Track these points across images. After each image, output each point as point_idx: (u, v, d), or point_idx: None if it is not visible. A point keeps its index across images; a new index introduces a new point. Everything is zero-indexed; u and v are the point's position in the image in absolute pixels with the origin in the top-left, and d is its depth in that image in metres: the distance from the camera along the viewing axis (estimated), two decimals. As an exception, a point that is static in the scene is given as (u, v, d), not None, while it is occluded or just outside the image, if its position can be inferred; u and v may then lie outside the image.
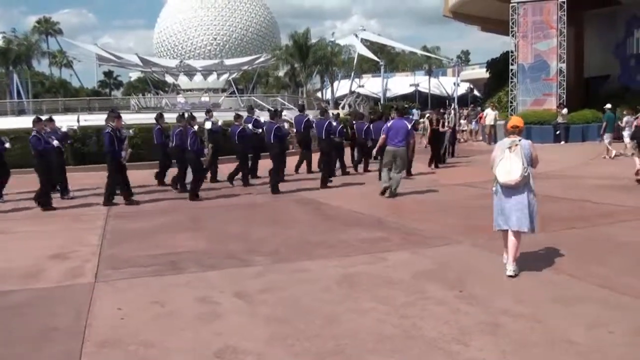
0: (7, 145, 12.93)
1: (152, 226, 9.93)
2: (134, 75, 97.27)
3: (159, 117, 15.20)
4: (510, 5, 27.78)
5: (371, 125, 17.21)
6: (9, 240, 9.27)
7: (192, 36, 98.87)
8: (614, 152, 19.63)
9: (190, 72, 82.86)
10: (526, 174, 6.40)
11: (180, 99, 56.54)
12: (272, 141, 13.80)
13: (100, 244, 8.62)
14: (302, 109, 18.99)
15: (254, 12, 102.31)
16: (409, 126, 12.69)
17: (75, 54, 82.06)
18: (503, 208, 6.61)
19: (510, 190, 6.52)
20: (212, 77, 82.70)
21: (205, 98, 57.00)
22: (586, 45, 31.53)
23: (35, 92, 69.12)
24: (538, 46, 27.46)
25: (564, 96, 26.94)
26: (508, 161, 6.47)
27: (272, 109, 17.61)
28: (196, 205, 12.10)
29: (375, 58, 76.52)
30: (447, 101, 67.92)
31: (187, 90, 77.91)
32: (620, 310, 5.32)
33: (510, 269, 6.45)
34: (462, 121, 31.15)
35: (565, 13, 26.66)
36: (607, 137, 20.17)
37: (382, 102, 64.49)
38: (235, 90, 72.72)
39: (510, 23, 27.95)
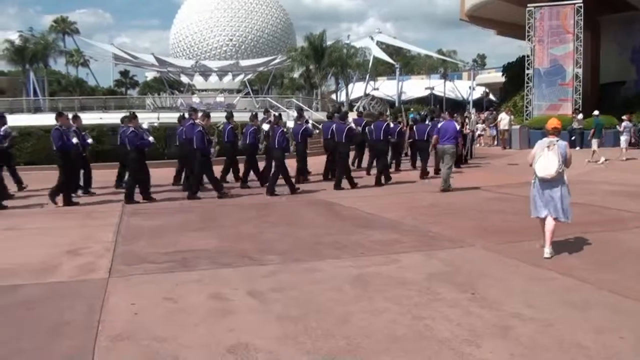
0: (90, 140, 13.07)
1: (166, 224, 10.02)
2: (150, 75, 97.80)
3: (230, 116, 15.66)
4: (527, 9, 27.70)
5: (415, 127, 18.25)
6: (24, 236, 9.38)
7: (208, 37, 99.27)
8: (602, 159, 20.09)
9: (205, 73, 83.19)
10: (561, 170, 7.29)
11: (195, 99, 56.74)
12: (343, 141, 14.56)
13: (114, 240, 8.70)
14: (338, 111, 19.67)
15: (270, 14, 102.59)
16: (457, 127, 14.14)
17: (92, 53, 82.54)
18: (540, 199, 7.55)
19: (546, 183, 7.44)
20: (228, 78, 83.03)
21: (220, 98, 57.15)
22: (602, 51, 31.38)
23: (51, 91, 69.56)
24: (554, 51, 27.36)
25: (580, 101, 26.81)
26: (546, 158, 7.34)
27: (343, 111, 18.42)
28: (210, 204, 12.17)
29: (391, 61, 76.46)
30: (466, 105, 67.69)
31: (203, 90, 78.22)
32: (631, 316, 5.30)
33: (547, 251, 7.37)
34: (479, 125, 31.00)
35: (582, 18, 26.54)
36: (594, 143, 20.86)
37: (397, 105, 64.33)
38: (250, 91, 72.90)
39: (527, 27, 27.86)
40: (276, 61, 76.47)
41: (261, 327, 5.06)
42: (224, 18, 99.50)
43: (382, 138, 15.73)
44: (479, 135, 30.54)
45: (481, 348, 4.55)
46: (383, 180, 15.28)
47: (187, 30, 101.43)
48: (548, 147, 7.36)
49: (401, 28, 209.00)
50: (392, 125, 16.82)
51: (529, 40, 28.11)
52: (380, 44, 73.67)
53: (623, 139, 21.15)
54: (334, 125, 15.15)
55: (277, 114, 17.20)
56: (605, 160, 19.98)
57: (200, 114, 14.02)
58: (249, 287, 6.20)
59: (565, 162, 7.34)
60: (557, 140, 7.41)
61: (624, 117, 22.01)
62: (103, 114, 30.01)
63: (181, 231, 9.35)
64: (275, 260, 7.39)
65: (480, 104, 68.54)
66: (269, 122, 15.63)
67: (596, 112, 22.81)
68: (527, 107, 28.27)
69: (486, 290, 6.00)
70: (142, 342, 4.74)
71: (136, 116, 13.12)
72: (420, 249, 7.97)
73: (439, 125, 14.54)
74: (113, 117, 24.22)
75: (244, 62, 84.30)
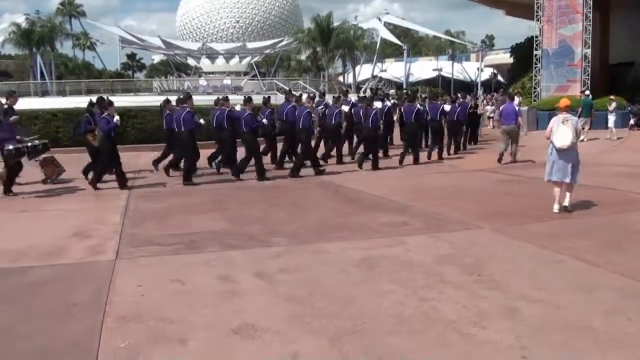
0: (202, 121, 13.36)
1: (173, 206, 10.03)
2: (157, 57, 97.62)
3: (322, 95, 16.17)
4: (536, -12, 27.40)
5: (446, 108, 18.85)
6: (34, 219, 9.42)
7: (215, 19, 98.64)
8: (583, 137, 20.40)
9: (212, 55, 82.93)
10: (574, 141, 8.73)
11: (202, 81, 56.75)
12: (412, 121, 15.81)
13: (122, 223, 8.73)
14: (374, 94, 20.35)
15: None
16: (517, 109, 16.15)
17: (98, 36, 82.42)
18: (555, 165, 8.88)
19: (562, 152, 8.77)
20: (235, 60, 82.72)
21: (227, 81, 57.13)
22: (612, 31, 31.01)
23: (58, 74, 69.68)
24: (563, 31, 27.06)
25: (589, 82, 26.57)
26: (562, 131, 8.74)
27: (411, 92, 19.41)
28: (217, 187, 12.16)
29: (398, 42, 76.01)
30: (474, 87, 67.32)
31: (209, 73, 78.03)
32: (639, 298, 5.29)
33: (555, 207, 8.84)
34: (488, 107, 30.57)
35: (592, -3, 26.25)
36: (581, 122, 20.82)
37: (404, 86, 64.09)
38: (257, 74, 72.73)
39: (535, 7, 27.58)
40: (283, 43, 76.09)
41: (268, 308, 5.08)
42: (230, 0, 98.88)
43: (437, 118, 16.77)
44: (490, 117, 30.16)
45: (487, 329, 4.55)
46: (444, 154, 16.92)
47: (194, 12, 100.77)
48: (563, 122, 8.77)
49: (409, 9, 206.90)
50: (447, 107, 17.89)
51: (537, 20, 27.82)
52: (387, 25, 73.31)
53: (612, 119, 21.72)
54: (404, 107, 16.66)
55: (369, 94, 17.77)
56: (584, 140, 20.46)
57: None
58: (256, 268, 6.22)
59: (576, 134, 8.81)
60: (570, 116, 8.92)
61: (612, 97, 22.46)
62: (110, 98, 30.00)
63: (188, 213, 9.37)
64: (283, 242, 7.41)
65: (488, 86, 68.19)
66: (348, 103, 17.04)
67: (587, 92, 23.30)
68: (535, 88, 28.06)
69: (493, 273, 6.00)
70: (148, 323, 4.77)
71: (251, 99, 13.70)
72: (428, 231, 7.95)
73: (501, 108, 17.16)
74: (120, 101, 24.25)
75: (251, 45, 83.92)
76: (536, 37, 28.25)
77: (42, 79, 58.23)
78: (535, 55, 27.93)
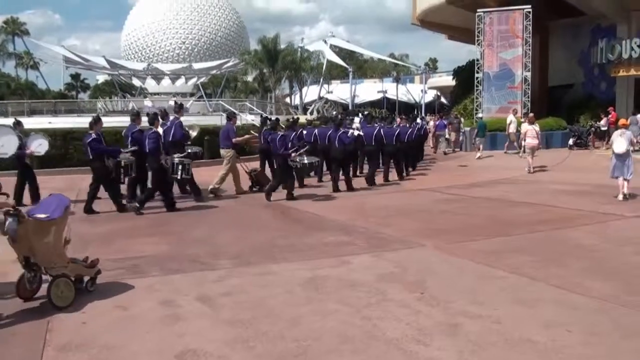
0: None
1: (115, 230, 9.83)
2: (101, 78, 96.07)
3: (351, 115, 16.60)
4: (477, 14, 28.14)
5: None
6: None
7: (161, 39, 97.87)
8: (479, 154, 23.25)
9: (158, 76, 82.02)
10: (629, 149, 12.07)
11: (148, 102, 55.93)
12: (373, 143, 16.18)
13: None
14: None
15: (222, 16, 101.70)
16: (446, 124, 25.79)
17: (42, 55, 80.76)
18: (616, 166, 12.15)
19: (619, 156, 12.11)
20: (180, 81, 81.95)
21: (172, 102, 56.50)
22: (551, 55, 32.08)
23: (0, 94, 67.86)
24: (503, 55, 27.89)
25: (529, 104, 27.36)
26: (619, 142, 12.12)
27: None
28: (160, 210, 11.98)
29: (344, 64, 76.95)
30: (415, 109, 68.57)
31: (155, 93, 77.09)
32: (578, 310, 5.47)
33: (620, 197, 11.99)
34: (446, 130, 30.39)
35: (531, 22, 27.13)
36: (478, 141, 24.04)
37: (350, 108, 64.80)
38: (204, 95, 72.31)
39: (476, 32, 28.32)
40: (229, 64, 75.93)
41: (211, 332, 5.03)
42: (176, 20, 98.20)
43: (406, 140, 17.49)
44: (446, 139, 29.61)
45: (429, 346, 4.62)
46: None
47: (139, 32, 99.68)
48: (620, 135, 12.13)
49: (353, 31, 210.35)
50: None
51: (478, 44, 28.56)
52: (333, 47, 74.11)
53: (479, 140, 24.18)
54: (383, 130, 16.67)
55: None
56: (481, 157, 22.96)
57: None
58: (199, 292, 6.16)
59: (632, 143, 12.19)
60: (625, 131, 12.24)
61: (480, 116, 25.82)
62: (52, 118, 29.36)
63: (131, 237, 9.21)
64: (227, 265, 7.34)
65: (432, 107, 69.51)
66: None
67: (480, 115, 26.06)
68: (477, 110, 28.73)
69: (435, 290, 6.10)
70: (91, 351, 4.67)
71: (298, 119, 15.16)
72: (371, 250, 8.02)
73: (437, 123, 26.07)
74: (63, 122, 23.74)
75: (197, 65, 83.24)
76: (477, 60, 28.99)
77: (-17, 100, 56.58)
78: (477, 77, 28.64)
